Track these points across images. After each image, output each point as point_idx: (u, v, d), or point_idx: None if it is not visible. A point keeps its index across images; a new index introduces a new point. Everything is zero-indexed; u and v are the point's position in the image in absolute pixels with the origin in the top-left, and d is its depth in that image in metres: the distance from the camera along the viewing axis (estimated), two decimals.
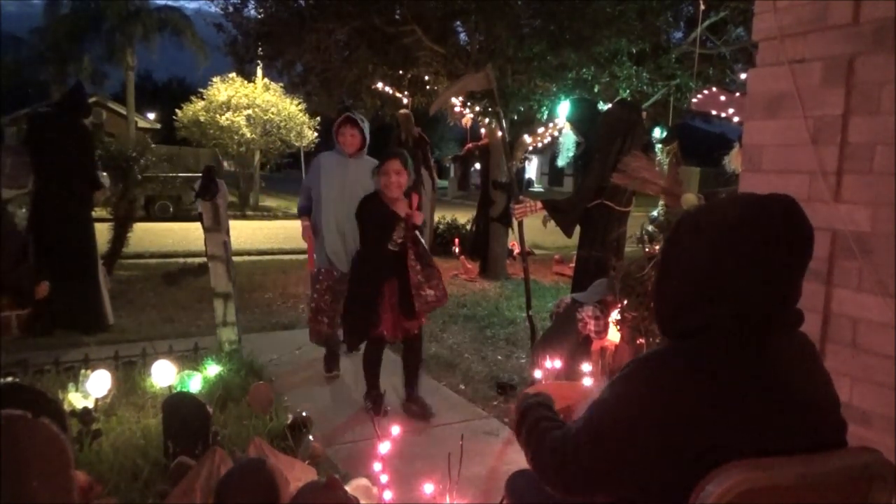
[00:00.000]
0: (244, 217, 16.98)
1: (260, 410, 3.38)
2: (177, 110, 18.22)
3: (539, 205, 4.03)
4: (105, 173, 6.50)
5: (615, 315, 3.26)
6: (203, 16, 11.89)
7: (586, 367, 2.90)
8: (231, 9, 8.57)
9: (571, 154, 4.29)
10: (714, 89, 6.70)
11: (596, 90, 7.12)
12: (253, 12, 8.64)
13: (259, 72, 15.31)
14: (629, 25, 6.76)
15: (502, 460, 3.24)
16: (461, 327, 5.82)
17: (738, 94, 5.76)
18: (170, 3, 30.81)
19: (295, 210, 5.06)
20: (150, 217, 14.29)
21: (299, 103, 16.96)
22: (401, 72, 8.29)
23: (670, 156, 5.29)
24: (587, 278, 3.75)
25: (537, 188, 35.60)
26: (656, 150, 4.47)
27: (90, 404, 3.15)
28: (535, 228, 5.03)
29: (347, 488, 2.41)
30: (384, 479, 2.45)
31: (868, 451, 1.19)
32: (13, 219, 4.79)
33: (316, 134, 18.27)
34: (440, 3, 7.38)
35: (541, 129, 8.46)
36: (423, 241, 3.79)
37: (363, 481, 2.66)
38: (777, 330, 1.19)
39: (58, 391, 3.27)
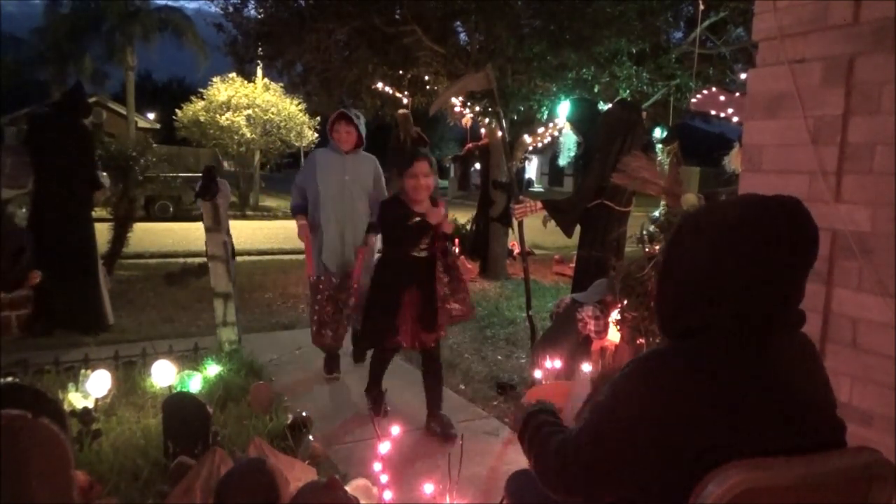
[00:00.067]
0: (244, 217, 16.97)
1: (260, 410, 3.38)
2: (177, 110, 18.23)
3: (539, 205, 4.03)
4: (105, 173, 6.49)
5: (615, 315, 3.26)
6: (203, 16, 11.93)
7: (586, 367, 2.91)
8: (231, 9, 8.58)
9: (572, 154, 4.29)
10: (714, 89, 6.68)
11: (596, 90, 7.12)
12: (253, 12, 8.65)
13: (259, 72, 15.31)
14: (629, 25, 6.75)
15: (502, 460, 3.24)
16: (461, 327, 5.81)
17: (737, 94, 5.74)
18: (170, 3, 30.93)
19: None
20: (150, 217, 14.30)
21: (299, 103, 16.98)
22: (401, 72, 8.28)
23: (671, 156, 5.29)
24: (587, 278, 3.76)
25: (537, 188, 35.58)
26: (656, 150, 4.46)
27: (90, 404, 3.15)
28: (535, 228, 5.03)
29: (347, 488, 2.41)
30: (384, 479, 2.45)
31: (868, 451, 1.19)
32: (13, 219, 4.79)
33: (316, 134, 18.27)
34: (440, 3, 7.37)
35: (541, 129, 8.46)
36: (453, 251, 3.62)
37: (363, 481, 2.66)
38: (778, 330, 1.19)
39: (58, 391, 3.27)
